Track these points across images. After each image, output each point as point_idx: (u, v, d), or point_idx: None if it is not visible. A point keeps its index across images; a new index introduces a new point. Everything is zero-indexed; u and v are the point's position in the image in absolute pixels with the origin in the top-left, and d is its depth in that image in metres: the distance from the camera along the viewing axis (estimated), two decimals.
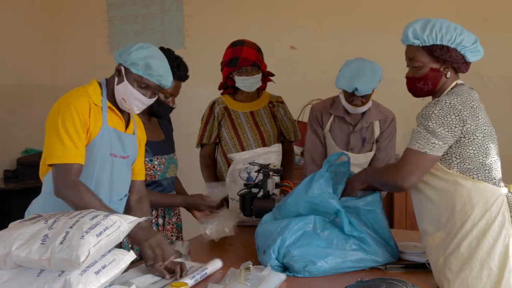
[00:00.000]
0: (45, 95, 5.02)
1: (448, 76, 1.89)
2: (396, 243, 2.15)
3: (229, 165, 2.87)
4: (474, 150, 1.79)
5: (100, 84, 2.05)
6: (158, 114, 2.46)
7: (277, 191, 2.60)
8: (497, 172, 1.85)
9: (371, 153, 2.78)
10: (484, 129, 1.81)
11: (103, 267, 1.57)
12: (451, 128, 1.77)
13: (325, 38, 4.22)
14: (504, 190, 1.81)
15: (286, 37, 4.34)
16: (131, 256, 1.68)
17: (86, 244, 1.50)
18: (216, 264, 2.03)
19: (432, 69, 1.88)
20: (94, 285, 1.53)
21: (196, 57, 4.06)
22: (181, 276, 1.89)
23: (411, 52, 1.91)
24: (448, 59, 1.85)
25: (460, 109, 1.77)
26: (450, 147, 1.81)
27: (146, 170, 2.32)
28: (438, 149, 1.79)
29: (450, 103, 1.78)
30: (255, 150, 2.85)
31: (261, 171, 2.48)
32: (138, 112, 2.07)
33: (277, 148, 2.90)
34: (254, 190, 2.51)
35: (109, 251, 1.64)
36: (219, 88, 2.99)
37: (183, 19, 4.73)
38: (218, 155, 2.97)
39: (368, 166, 2.43)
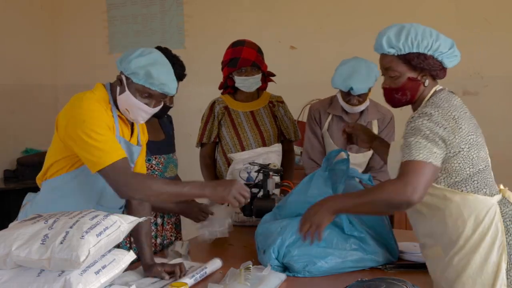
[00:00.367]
0: (45, 95, 5.02)
1: (426, 85, 1.79)
2: (396, 243, 2.15)
3: (229, 165, 2.87)
4: (460, 163, 1.70)
5: (106, 89, 1.95)
6: (156, 114, 2.45)
7: (277, 191, 2.60)
8: (487, 181, 1.75)
9: (370, 153, 2.78)
10: (469, 139, 1.71)
11: (103, 267, 1.57)
12: (442, 136, 1.68)
13: (325, 38, 4.22)
14: (496, 198, 1.73)
15: (286, 37, 4.34)
16: (131, 256, 1.67)
17: (86, 244, 1.50)
18: (215, 264, 2.03)
19: (409, 79, 1.78)
20: (94, 285, 1.52)
21: (196, 57, 4.06)
22: (180, 276, 1.90)
23: (387, 62, 1.81)
24: (426, 67, 1.76)
25: (443, 123, 1.68)
26: None
27: None
28: (439, 158, 1.68)
29: (431, 114, 1.69)
30: (255, 150, 2.85)
31: (261, 171, 2.48)
32: (143, 122, 1.99)
33: (277, 148, 2.90)
34: (254, 190, 2.51)
35: (109, 251, 1.63)
36: (219, 88, 2.99)
37: (183, 19, 4.73)
38: (218, 155, 2.97)
39: (336, 194, 2.07)
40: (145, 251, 2.01)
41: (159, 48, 2.18)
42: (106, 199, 1.97)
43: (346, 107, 2.72)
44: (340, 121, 2.79)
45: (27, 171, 4.56)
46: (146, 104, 1.89)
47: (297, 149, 3.43)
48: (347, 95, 2.65)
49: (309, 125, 2.87)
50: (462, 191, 1.71)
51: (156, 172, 2.43)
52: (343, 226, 2.04)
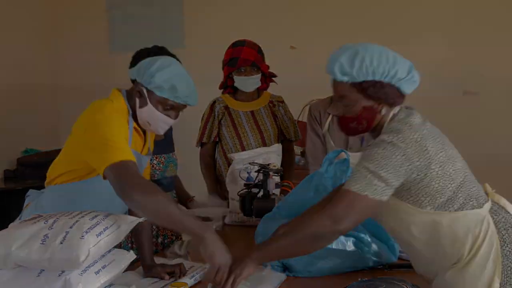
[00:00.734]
0: (45, 95, 5.02)
1: (382, 113, 1.66)
2: (396, 243, 2.15)
3: (229, 164, 2.87)
4: (438, 183, 1.58)
5: (123, 98, 1.90)
6: None
7: (277, 191, 2.60)
8: (471, 192, 1.62)
9: None
10: (439, 158, 1.58)
11: (103, 267, 1.57)
12: (395, 169, 1.55)
13: (325, 38, 4.21)
14: (486, 208, 1.61)
15: (286, 37, 4.34)
16: (131, 256, 1.67)
17: (86, 244, 1.50)
18: None
19: (365, 108, 1.65)
20: (94, 285, 1.53)
21: (196, 57, 4.06)
22: (180, 276, 1.90)
23: (341, 89, 1.67)
24: (382, 96, 1.63)
25: (404, 147, 1.55)
26: (410, 188, 1.59)
27: None
28: (380, 191, 1.55)
29: (391, 142, 1.56)
30: (255, 150, 2.85)
31: (261, 171, 2.48)
32: (163, 133, 1.96)
33: (277, 148, 2.90)
34: (254, 190, 2.51)
35: (109, 251, 1.63)
36: (220, 88, 2.99)
37: (183, 19, 4.73)
38: (218, 154, 2.97)
39: (260, 243, 1.89)
40: (145, 252, 2.01)
41: (156, 47, 2.18)
42: (112, 209, 1.95)
43: None
44: None
45: (27, 171, 4.56)
46: (168, 115, 1.88)
47: (297, 149, 3.43)
48: None
49: (310, 124, 2.87)
50: (450, 211, 1.59)
51: (157, 172, 2.43)
52: None
